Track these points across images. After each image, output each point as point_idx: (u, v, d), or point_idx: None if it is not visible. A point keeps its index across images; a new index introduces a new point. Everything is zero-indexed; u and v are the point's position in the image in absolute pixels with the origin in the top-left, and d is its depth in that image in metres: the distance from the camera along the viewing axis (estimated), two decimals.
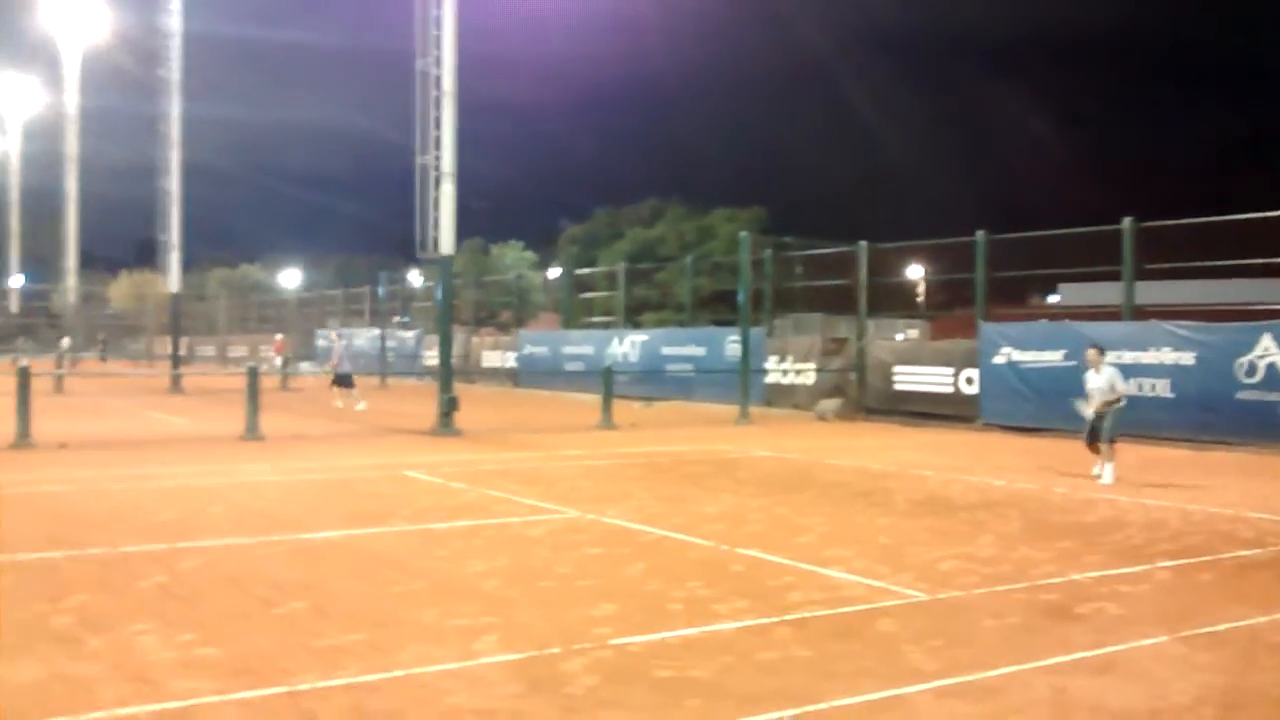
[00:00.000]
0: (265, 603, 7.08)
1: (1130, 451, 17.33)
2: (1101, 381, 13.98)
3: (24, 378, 16.88)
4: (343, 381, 26.58)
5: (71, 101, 41.61)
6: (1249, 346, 17.73)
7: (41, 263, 66.85)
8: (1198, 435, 17.98)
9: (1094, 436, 13.98)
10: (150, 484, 12.80)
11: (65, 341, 41.97)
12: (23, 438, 16.38)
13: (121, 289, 79.55)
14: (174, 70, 32.16)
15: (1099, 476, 13.67)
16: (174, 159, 32.29)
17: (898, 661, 5.97)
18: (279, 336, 50.33)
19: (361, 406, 25.55)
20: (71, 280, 43.70)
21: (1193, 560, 8.86)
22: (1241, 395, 17.76)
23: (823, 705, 5.21)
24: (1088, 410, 13.99)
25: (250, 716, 4.98)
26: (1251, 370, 17.67)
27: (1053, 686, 5.55)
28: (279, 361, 46.46)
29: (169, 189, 32.42)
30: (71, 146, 41.44)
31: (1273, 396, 17.43)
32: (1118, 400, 13.88)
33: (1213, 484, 13.62)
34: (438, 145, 19.84)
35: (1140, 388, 18.92)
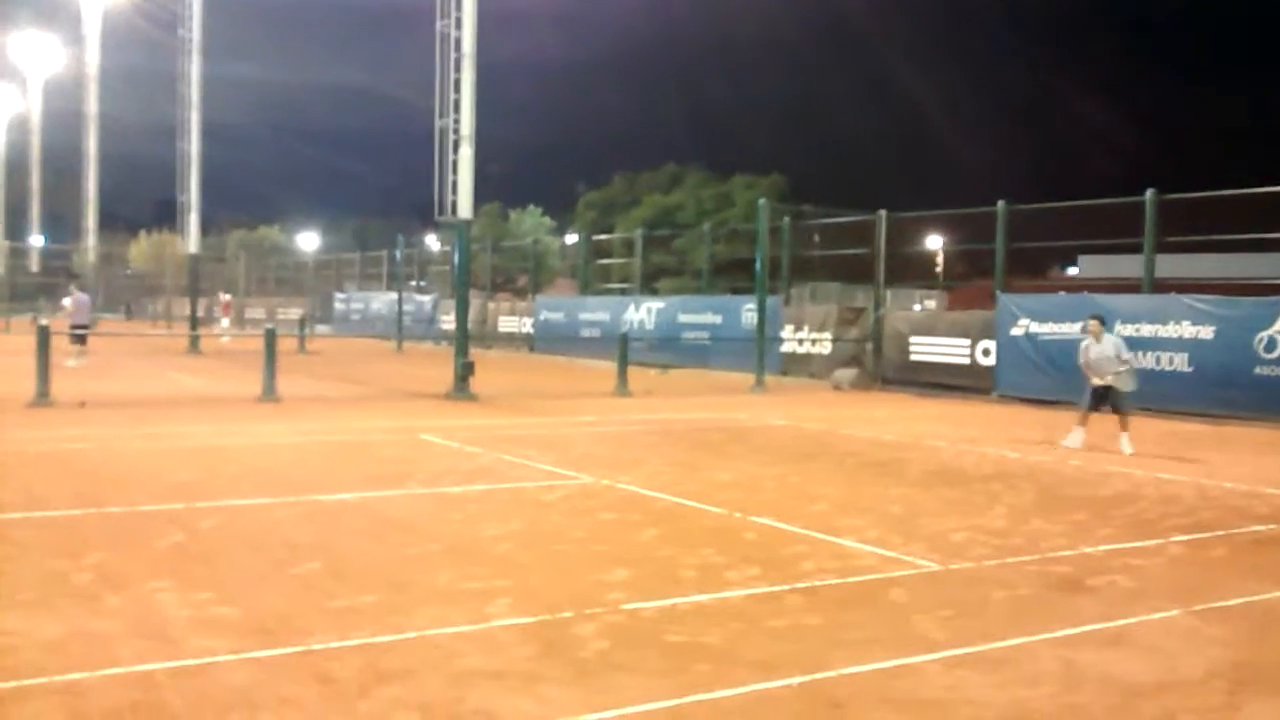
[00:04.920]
0: (281, 563, 7.15)
1: (1147, 425, 17.28)
2: (1108, 350, 14.11)
3: (43, 336, 16.99)
4: (79, 338, 25.02)
5: (92, 60, 41.63)
6: (1268, 321, 17.61)
7: (61, 222, 67.17)
8: (1215, 410, 17.90)
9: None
10: (168, 444, 12.90)
11: (67, 301, 41.55)
12: (42, 396, 16.51)
13: (141, 249, 79.90)
14: (194, 30, 32.11)
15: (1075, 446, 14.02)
16: (193, 120, 32.30)
17: (908, 631, 5.99)
18: (225, 297, 50.36)
19: (73, 364, 23.71)
20: (91, 240, 43.88)
21: (1206, 535, 8.85)
22: (1260, 370, 17.66)
23: (832, 673, 5.24)
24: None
25: (266, 675, 5.04)
26: (1271, 345, 17.55)
27: (1062, 659, 5.57)
28: (225, 322, 46.56)
29: (188, 150, 32.45)
30: (91, 106, 41.50)
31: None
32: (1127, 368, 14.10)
33: (1229, 459, 13.57)
34: (456, 108, 19.77)
35: (1158, 361, 18.85)
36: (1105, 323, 14.72)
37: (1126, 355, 14.16)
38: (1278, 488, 11.35)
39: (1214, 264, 25.60)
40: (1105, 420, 14.39)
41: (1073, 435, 14.24)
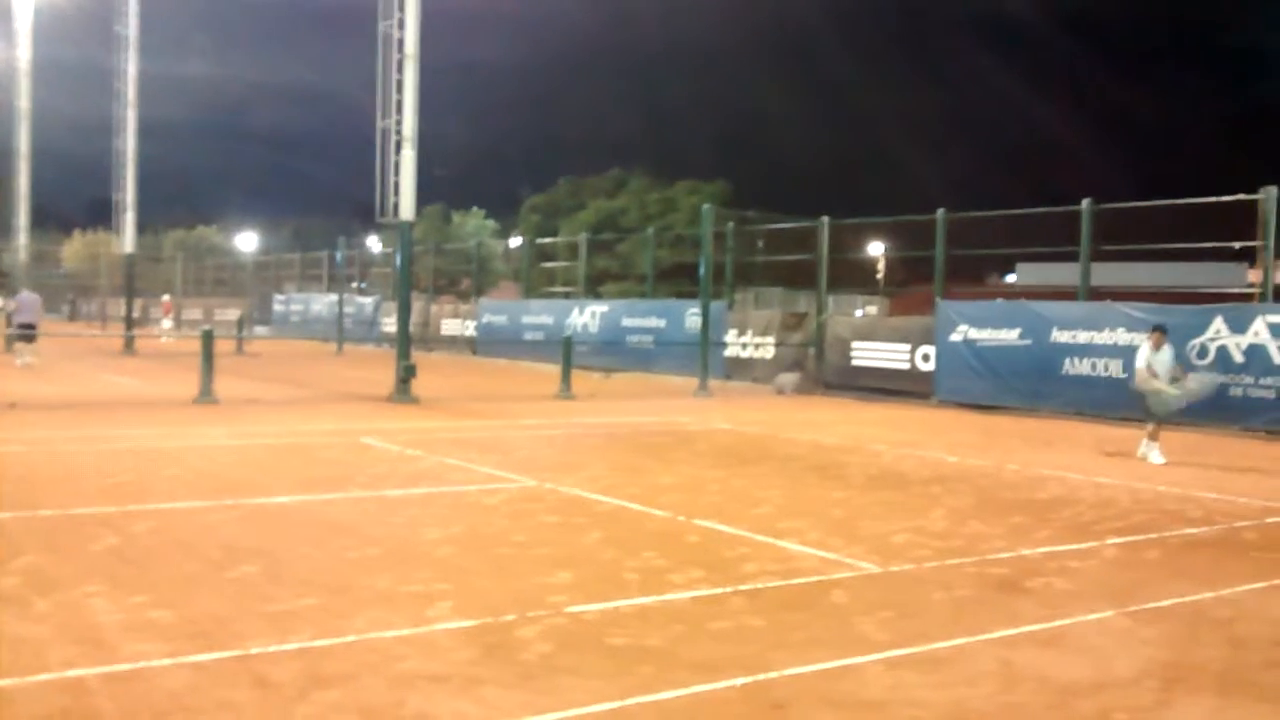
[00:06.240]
0: (218, 566, 7.03)
1: (1084, 430, 17.60)
2: (1168, 358, 14.20)
3: None
4: (25, 336, 25.29)
5: (24, 55, 40.70)
6: (1201, 329, 17.97)
7: None
8: None
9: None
10: (102, 446, 12.65)
11: (3, 300, 41.09)
12: None
13: (75, 249, 78.38)
14: (130, 26, 31.56)
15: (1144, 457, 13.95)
16: (130, 118, 31.73)
17: (849, 632, 6.03)
18: (165, 297, 49.83)
19: (20, 362, 24.40)
20: (22, 239, 42.87)
21: (1141, 537, 9.01)
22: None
23: (774, 674, 5.26)
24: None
25: (201, 680, 4.95)
26: (1203, 352, 17.91)
27: (1000, 658, 5.64)
28: (167, 323, 46.03)
29: (124, 148, 31.88)
30: (24, 101, 40.56)
31: (1223, 378, 17.70)
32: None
33: (1162, 463, 13.80)
34: (399, 109, 19.62)
35: (1094, 367, 19.19)
36: (1165, 333, 14.58)
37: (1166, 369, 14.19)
38: (1209, 491, 11.59)
39: (1149, 272, 26.13)
40: (1112, 436, 14.58)
41: (1154, 452, 13.96)
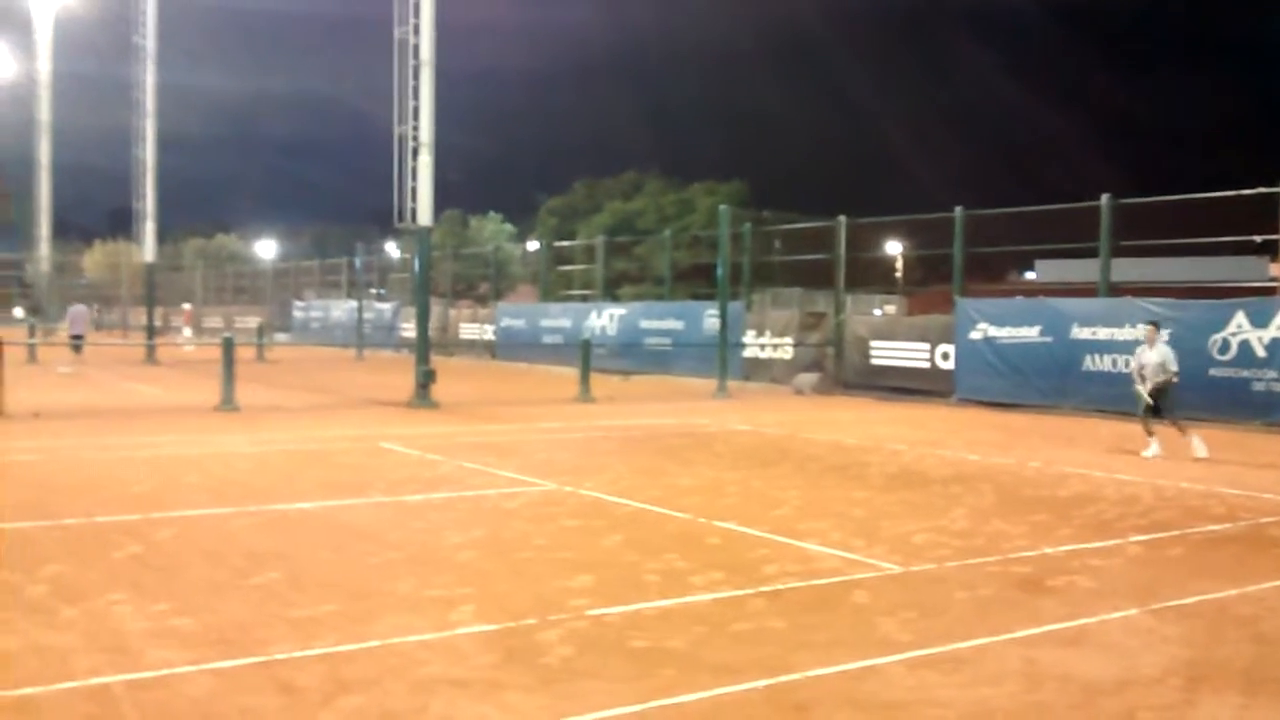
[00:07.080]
0: (241, 573, 7.07)
1: (1105, 428, 17.49)
2: (1155, 358, 14.05)
3: None
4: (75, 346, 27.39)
5: (44, 68, 41.04)
6: (1223, 324, 17.85)
7: (13, 231, 66.18)
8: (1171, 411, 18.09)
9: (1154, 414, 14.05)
10: (125, 454, 12.73)
11: (17, 311, 41.75)
12: None
13: (95, 258, 78.96)
14: (149, 37, 31.76)
15: (1153, 456, 13.79)
16: (149, 128, 31.92)
17: (871, 633, 6.02)
18: (186, 306, 50.24)
19: (64, 370, 26.00)
20: (44, 249, 43.22)
21: (1164, 535, 8.95)
22: (1215, 372, 17.89)
23: (797, 675, 5.26)
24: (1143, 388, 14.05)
25: (225, 686, 4.98)
26: (1225, 347, 17.80)
27: (1024, 658, 5.62)
28: (188, 331, 46.48)
29: (144, 158, 32.09)
30: (44, 114, 40.90)
31: (1245, 373, 17.60)
32: (1170, 378, 13.94)
33: (1185, 459, 13.72)
34: (416, 115, 19.69)
35: (1114, 364, 19.08)
36: (1159, 328, 14.53)
37: (1173, 368, 13.99)
38: (1232, 487, 11.51)
39: (1169, 268, 25.99)
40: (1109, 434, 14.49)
41: (1151, 447, 13.99)
